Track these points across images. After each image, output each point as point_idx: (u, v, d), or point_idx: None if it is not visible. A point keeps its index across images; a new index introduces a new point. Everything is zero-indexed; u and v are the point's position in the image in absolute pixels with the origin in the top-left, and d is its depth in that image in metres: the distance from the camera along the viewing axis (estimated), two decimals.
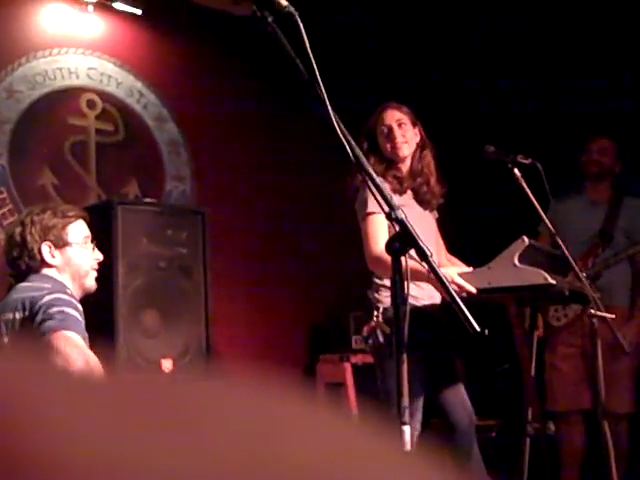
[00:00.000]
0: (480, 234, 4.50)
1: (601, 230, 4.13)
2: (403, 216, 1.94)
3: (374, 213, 3.00)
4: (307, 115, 4.65)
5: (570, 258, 3.22)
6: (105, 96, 4.48)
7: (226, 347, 4.62)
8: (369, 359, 4.78)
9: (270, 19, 2.10)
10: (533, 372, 3.55)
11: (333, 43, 4.50)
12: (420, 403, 3.04)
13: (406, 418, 1.93)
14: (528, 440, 3.48)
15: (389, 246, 1.95)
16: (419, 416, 3.01)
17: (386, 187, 2.02)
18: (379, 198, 1.99)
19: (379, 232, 3.01)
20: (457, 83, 5.26)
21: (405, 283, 1.94)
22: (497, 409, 4.72)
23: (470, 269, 3.30)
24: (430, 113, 3.54)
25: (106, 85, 4.48)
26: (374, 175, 2.01)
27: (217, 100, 4.84)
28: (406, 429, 1.93)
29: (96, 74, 4.45)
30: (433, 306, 3.11)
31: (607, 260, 4.04)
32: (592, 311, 3.24)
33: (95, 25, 4.46)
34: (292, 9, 2.07)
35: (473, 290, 2.83)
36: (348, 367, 4.73)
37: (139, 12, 4.54)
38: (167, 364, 3.76)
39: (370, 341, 3.03)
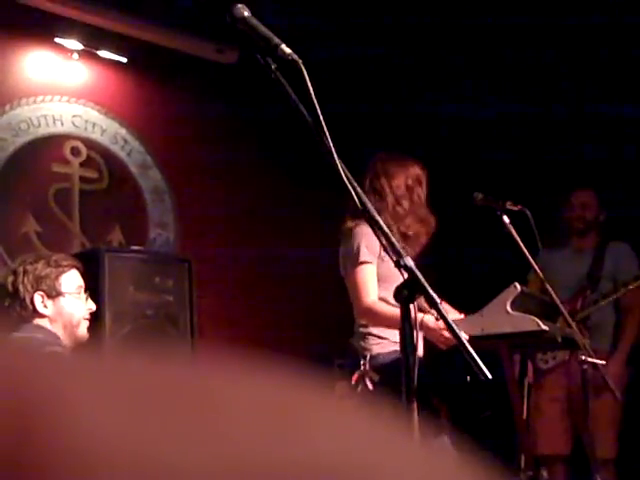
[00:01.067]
0: (470, 281, 4.52)
1: (588, 273, 4.18)
2: (412, 263, 1.93)
3: (366, 263, 3.01)
4: (295, 160, 4.71)
5: (559, 304, 3.24)
6: (89, 143, 4.45)
7: None
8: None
9: (274, 67, 2.09)
10: (525, 417, 3.55)
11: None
12: None
13: None
14: None
15: (398, 294, 1.93)
16: None
17: (392, 236, 2.00)
18: (386, 245, 1.98)
19: (370, 282, 3.03)
20: (441, 130, 5.32)
21: (414, 332, 1.93)
22: (486, 457, 4.68)
23: (462, 316, 3.31)
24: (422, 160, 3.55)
25: (91, 132, 4.46)
26: (381, 222, 2.00)
27: (201, 147, 4.84)
28: None
29: (81, 121, 4.43)
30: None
31: (596, 301, 4.07)
32: (583, 357, 3.24)
33: (80, 73, 4.45)
34: (296, 57, 2.07)
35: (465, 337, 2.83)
36: None
37: (124, 60, 4.54)
38: None
39: (359, 389, 3.01)
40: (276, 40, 2.06)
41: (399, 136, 4.95)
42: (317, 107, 2.00)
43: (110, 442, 0.24)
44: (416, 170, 3.26)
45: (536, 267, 3.30)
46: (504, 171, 5.08)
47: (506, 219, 3.28)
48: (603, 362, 3.31)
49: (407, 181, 3.23)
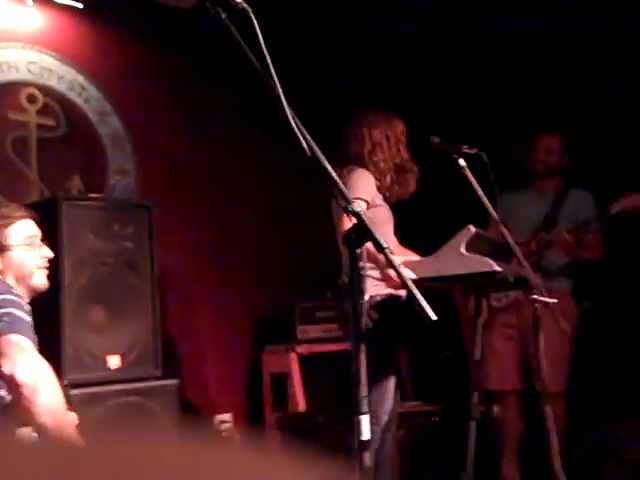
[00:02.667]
0: (428, 224, 4.58)
1: (546, 216, 4.25)
2: (360, 209, 1.98)
3: (358, 199, 3.13)
4: (252, 107, 4.70)
5: (513, 245, 3.30)
6: (46, 90, 4.40)
7: (173, 341, 4.61)
8: (315, 349, 4.84)
9: (224, 16, 2.10)
10: (479, 356, 3.65)
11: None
12: (391, 393, 3.20)
13: (364, 408, 1.97)
14: (473, 423, 3.56)
15: (346, 238, 1.99)
16: (391, 404, 3.21)
17: (340, 182, 2.04)
18: (336, 192, 2.02)
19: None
20: (403, 77, 5.32)
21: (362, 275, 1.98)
22: (440, 394, 4.81)
23: (418, 258, 3.39)
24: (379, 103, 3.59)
25: (47, 79, 4.40)
26: (331, 170, 2.04)
27: (161, 92, 4.81)
28: (364, 419, 1.97)
29: (36, 68, 4.37)
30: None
31: (549, 241, 4.15)
32: (535, 296, 3.33)
33: (35, 19, 4.37)
34: (246, 5, 2.08)
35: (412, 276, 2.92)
36: (294, 357, 4.76)
37: (80, 5, 4.45)
38: (114, 360, 3.74)
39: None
40: None
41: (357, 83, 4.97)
42: (267, 55, 2.03)
43: None
44: (399, 125, 3.47)
45: (491, 209, 3.35)
46: (462, 115, 5.12)
47: (462, 162, 3.32)
48: (554, 300, 3.39)
49: (387, 132, 3.40)
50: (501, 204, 3.69)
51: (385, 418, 3.29)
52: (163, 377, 3.86)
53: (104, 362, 3.70)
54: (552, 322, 3.45)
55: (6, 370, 2.24)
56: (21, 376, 2.23)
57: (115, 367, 3.73)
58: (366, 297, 3.14)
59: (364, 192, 3.30)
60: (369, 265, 3.08)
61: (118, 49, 4.67)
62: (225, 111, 5.05)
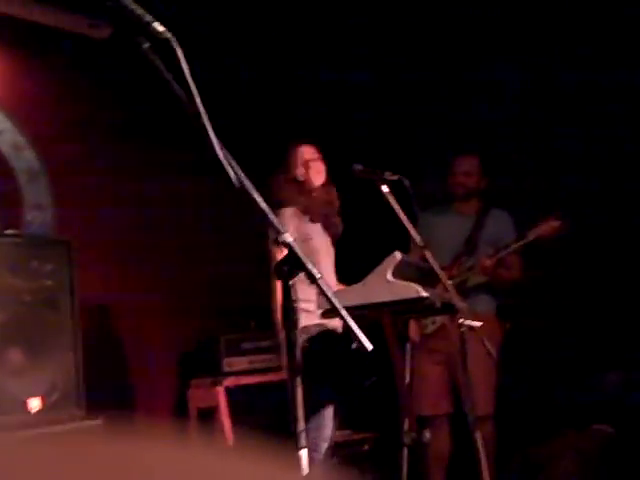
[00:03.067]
0: (354, 252, 4.59)
1: (467, 239, 4.30)
2: (291, 239, 1.95)
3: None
4: (168, 129, 4.64)
5: (438, 269, 3.33)
6: None
7: (95, 381, 4.48)
8: (242, 381, 4.77)
9: (146, 45, 2.05)
10: (409, 381, 3.66)
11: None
12: (329, 420, 3.23)
13: (302, 442, 1.93)
14: (406, 450, 3.56)
15: (278, 269, 1.95)
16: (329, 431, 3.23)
17: (270, 212, 2.01)
18: (269, 223, 1.99)
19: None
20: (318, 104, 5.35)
21: (295, 306, 1.96)
22: (370, 422, 4.80)
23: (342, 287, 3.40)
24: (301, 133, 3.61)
25: None
26: (259, 200, 2.00)
27: (76, 125, 4.70)
28: (303, 453, 1.93)
29: None
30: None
31: (471, 267, 4.20)
32: (461, 320, 3.35)
33: None
34: (169, 35, 2.04)
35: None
36: (221, 391, 4.68)
37: None
38: (34, 403, 3.61)
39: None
40: (148, 18, 2.02)
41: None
42: (192, 85, 1.99)
43: None
44: (300, 148, 3.69)
45: (415, 234, 3.37)
46: (382, 141, 5.17)
47: (385, 189, 3.34)
48: (480, 323, 3.42)
49: (299, 160, 3.66)
50: (421, 225, 3.73)
51: (324, 445, 3.29)
52: (87, 417, 3.74)
53: (24, 405, 3.57)
54: (479, 346, 3.48)
55: None
56: None
57: (35, 410, 3.60)
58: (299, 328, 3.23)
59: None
60: (301, 297, 3.09)
61: (30, 81, 4.56)
62: (145, 141, 4.97)
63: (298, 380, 1.92)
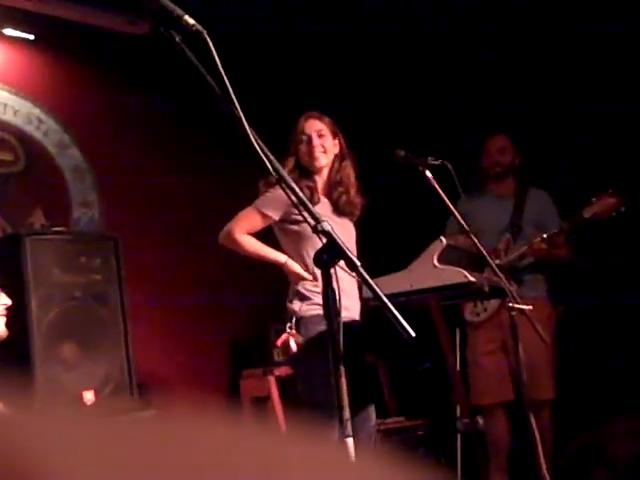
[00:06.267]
0: (393, 238, 4.56)
1: (510, 222, 4.23)
2: (330, 228, 1.93)
3: (263, 213, 3.17)
4: (213, 127, 4.66)
5: (485, 254, 3.28)
6: (2, 125, 4.33)
7: (148, 373, 4.53)
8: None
9: (178, 38, 2.05)
10: (459, 368, 3.62)
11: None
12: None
13: (349, 430, 1.92)
14: (459, 436, 3.53)
15: (318, 258, 1.94)
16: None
17: (308, 202, 2.00)
18: (305, 213, 1.98)
19: (251, 225, 3.24)
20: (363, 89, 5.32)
21: (337, 295, 1.94)
22: (424, 408, 4.78)
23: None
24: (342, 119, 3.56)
25: (2, 114, 4.33)
26: (297, 189, 1.99)
27: (120, 122, 4.75)
28: (350, 441, 1.92)
29: None
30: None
31: (522, 256, 4.13)
32: (510, 304, 3.31)
33: None
34: (200, 27, 2.04)
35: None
36: (272, 380, 4.71)
37: (31, 37, 4.41)
38: (88, 396, 3.67)
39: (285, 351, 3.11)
40: (179, 11, 2.02)
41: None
42: (224, 77, 1.98)
43: None
44: (303, 122, 3.27)
45: (461, 219, 3.33)
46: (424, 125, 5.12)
47: (429, 174, 3.30)
48: (530, 307, 3.37)
49: (301, 137, 3.24)
50: (459, 210, 3.67)
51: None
52: (140, 408, 3.78)
53: (79, 398, 3.63)
54: (531, 330, 3.43)
55: None
56: None
57: (90, 402, 3.65)
58: (293, 319, 3.09)
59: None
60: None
61: (74, 79, 4.62)
62: (192, 137, 4.99)
63: (342, 369, 1.91)
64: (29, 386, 3.45)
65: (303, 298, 3.12)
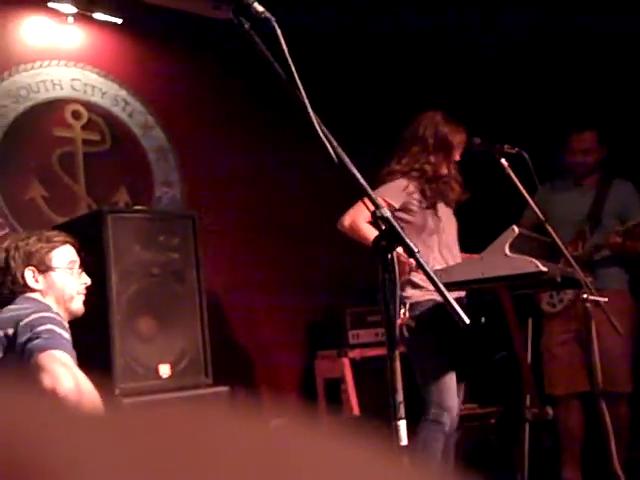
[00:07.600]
0: (473, 226, 4.53)
1: (589, 214, 4.15)
2: (388, 214, 1.95)
3: (386, 202, 3.22)
4: (295, 116, 4.70)
5: (560, 244, 3.25)
6: (90, 106, 4.48)
7: (223, 350, 4.63)
8: (367, 353, 4.83)
9: (247, 25, 2.10)
10: (530, 358, 3.58)
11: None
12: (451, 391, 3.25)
13: (402, 413, 1.94)
14: (527, 426, 3.50)
15: (376, 244, 1.96)
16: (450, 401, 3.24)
17: (368, 188, 2.03)
18: (365, 200, 2.00)
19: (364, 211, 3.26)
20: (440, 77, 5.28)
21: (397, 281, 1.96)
22: (497, 396, 4.75)
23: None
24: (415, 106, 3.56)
25: (90, 95, 4.48)
26: (359, 176, 2.02)
27: (203, 104, 4.85)
28: (402, 424, 1.94)
29: (80, 85, 4.45)
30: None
31: (596, 245, 4.05)
32: (585, 295, 3.26)
33: (76, 36, 4.45)
34: (268, 15, 2.08)
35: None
36: (346, 362, 4.76)
37: (119, 21, 4.53)
38: (164, 369, 3.77)
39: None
40: None
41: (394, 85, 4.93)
42: (291, 64, 2.02)
43: None
44: (463, 136, 3.44)
45: (537, 209, 3.31)
46: (500, 114, 5.05)
47: (504, 162, 3.28)
48: (605, 299, 3.32)
49: (455, 139, 3.41)
50: (539, 199, 3.62)
51: (447, 416, 3.27)
52: (214, 384, 3.88)
53: (155, 371, 3.73)
54: (607, 322, 3.38)
55: (48, 384, 2.27)
56: (63, 387, 2.26)
57: (166, 376, 3.76)
58: (407, 305, 3.28)
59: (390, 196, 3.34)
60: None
61: (159, 62, 4.73)
62: (272, 120, 5.05)
63: (396, 353, 1.93)
64: (108, 357, 3.57)
65: (415, 286, 3.31)
